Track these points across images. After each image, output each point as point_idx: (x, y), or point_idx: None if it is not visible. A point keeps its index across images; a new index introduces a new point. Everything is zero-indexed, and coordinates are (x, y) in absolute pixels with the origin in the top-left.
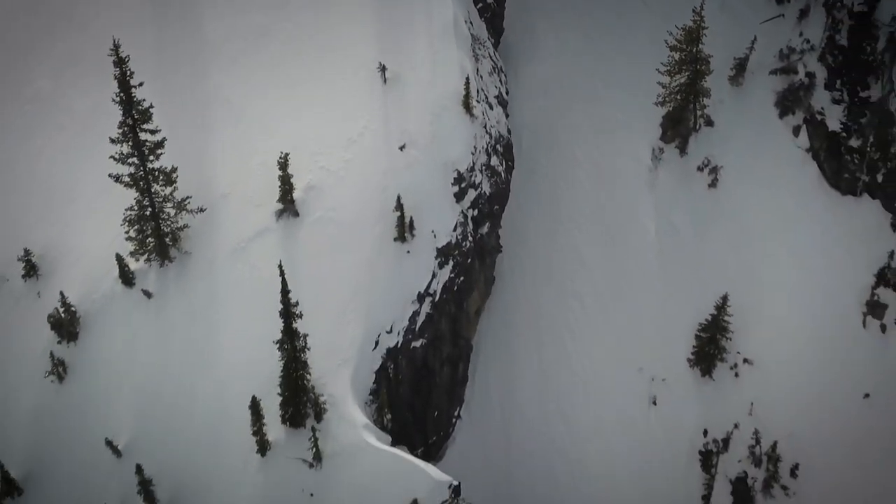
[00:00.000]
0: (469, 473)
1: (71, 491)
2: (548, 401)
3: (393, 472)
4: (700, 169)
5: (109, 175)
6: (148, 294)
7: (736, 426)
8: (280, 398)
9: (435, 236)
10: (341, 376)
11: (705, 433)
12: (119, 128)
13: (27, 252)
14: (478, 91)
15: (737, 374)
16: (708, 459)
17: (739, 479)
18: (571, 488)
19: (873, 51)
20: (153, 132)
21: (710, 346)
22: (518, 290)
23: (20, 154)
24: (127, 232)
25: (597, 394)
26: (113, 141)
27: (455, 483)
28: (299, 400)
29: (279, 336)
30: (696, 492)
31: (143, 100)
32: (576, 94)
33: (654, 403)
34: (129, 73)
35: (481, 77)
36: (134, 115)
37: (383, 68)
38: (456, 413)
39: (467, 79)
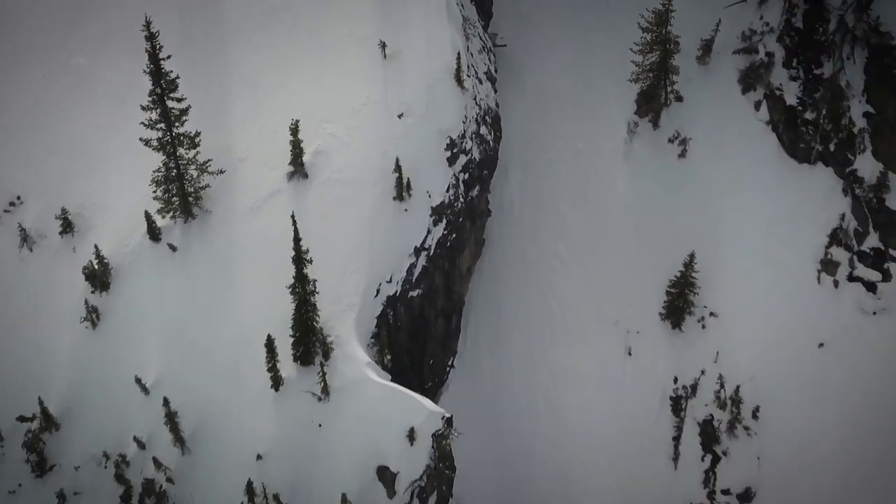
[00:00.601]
0: (461, 417)
1: (104, 425)
2: (533, 353)
3: (392, 404)
4: (671, 141)
5: (140, 139)
6: (173, 248)
7: (703, 373)
8: (292, 339)
9: (429, 196)
10: (346, 320)
11: (675, 380)
12: (149, 96)
13: (64, 211)
14: (468, 66)
15: (703, 326)
16: (678, 404)
17: (706, 422)
18: (553, 430)
19: (825, 32)
20: (179, 100)
21: (679, 301)
22: (506, 253)
23: (58, 122)
24: (154, 192)
25: (577, 346)
26: (143, 108)
27: (448, 415)
28: (309, 340)
29: (291, 283)
30: (667, 434)
31: (171, 71)
32: (559, 72)
33: (630, 354)
34: (158, 46)
35: (472, 54)
36: (162, 84)
37: (383, 45)
38: (450, 363)
39: (458, 54)
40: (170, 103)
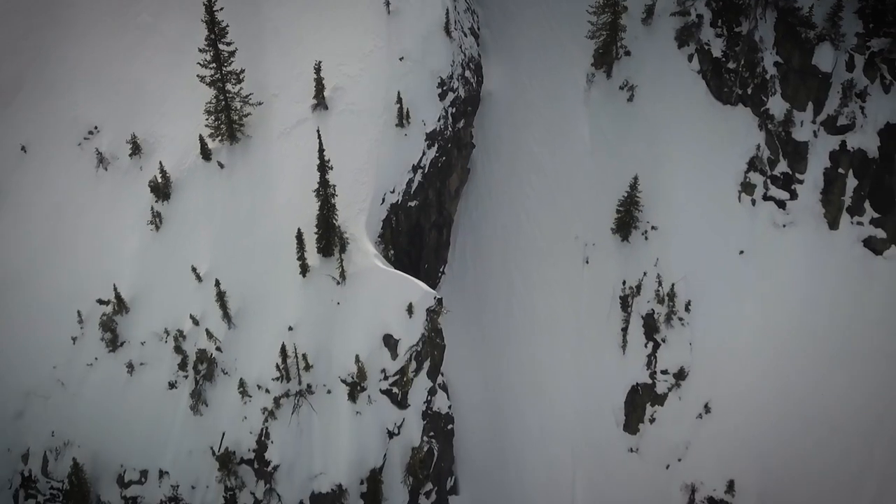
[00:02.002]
0: (449, 317)
1: (165, 307)
2: (509, 264)
3: (395, 286)
4: (621, 88)
5: (197, 76)
6: (221, 165)
7: (645, 275)
8: (316, 234)
9: (424, 124)
10: (358, 221)
11: (623, 283)
12: (205, 41)
13: (133, 137)
14: (455, 22)
15: (646, 238)
16: (625, 302)
17: (648, 315)
18: (526, 328)
19: None
20: (228, 44)
21: (626, 217)
22: (488, 180)
23: (127, 67)
24: (206, 120)
25: (545, 257)
26: (201, 51)
27: (438, 296)
28: (330, 235)
29: (316, 188)
30: (616, 326)
31: (222, 20)
32: (530, 32)
33: (587, 262)
34: (214, 3)
35: (458, 13)
36: (215, 31)
37: (387, 3)
38: (441, 270)
39: (447, 11)
40: (221, 46)
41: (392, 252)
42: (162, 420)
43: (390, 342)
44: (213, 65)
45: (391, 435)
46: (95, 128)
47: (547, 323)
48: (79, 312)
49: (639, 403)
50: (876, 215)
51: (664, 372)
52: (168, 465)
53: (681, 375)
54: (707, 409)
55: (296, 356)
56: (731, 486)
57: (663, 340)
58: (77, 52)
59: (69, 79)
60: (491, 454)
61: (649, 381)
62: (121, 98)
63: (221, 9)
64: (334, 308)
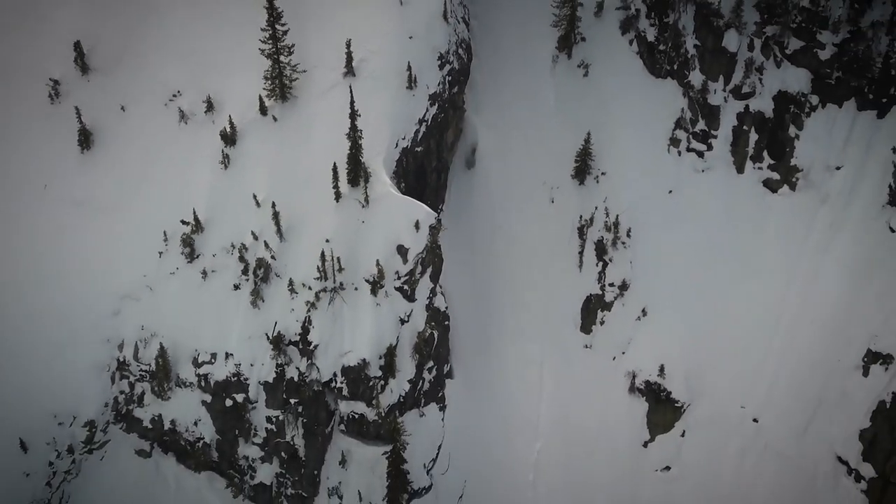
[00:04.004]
0: (447, 238)
1: (231, 226)
2: (492, 202)
3: (405, 208)
4: (579, 66)
5: (259, 49)
6: (275, 118)
7: (596, 209)
8: (347, 168)
9: (427, 88)
10: (378, 160)
11: (580, 217)
12: (266, 22)
13: (208, 97)
14: (451, 11)
15: (597, 181)
16: (581, 231)
17: (599, 241)
18: (505, 250)
19: None
20: (283, 25)
21: (582, 165)
22: (476, 135)
23: (200, 43)
24: (264, 84)
25: (521, 197)
26: (262, 30)
27: (438, 216)
28: (357, 169)
29: (347, 131)
30: (575, 250)
31: (278, 6)
32: (509, 21)
33: (552, 201)
34: None
35: (454, 4)
36: (273, 15)
37: None
38: (440, 207)
39: (445, 2)
40: (277, 27)
41: (403, 185)
42: (228, 314)
43: (402, 250)
44: (271, 41)
45: (402, 322)
46: (178, 91)
47: (522, 247)
48: (164, 232)
49: (592, 309)
50: (772, 162)
51: (611, 285)
52: (232, 349)
53: (624, 287)
54: (644, 312)
55: (332, 261)
56: (662, 370)
57: (610, 260)
58: (164, 31)
59: (158, 52)
60: (478, 348)
61: (600, 292)
62: (198, 67)
63: None
64: (360, 225)
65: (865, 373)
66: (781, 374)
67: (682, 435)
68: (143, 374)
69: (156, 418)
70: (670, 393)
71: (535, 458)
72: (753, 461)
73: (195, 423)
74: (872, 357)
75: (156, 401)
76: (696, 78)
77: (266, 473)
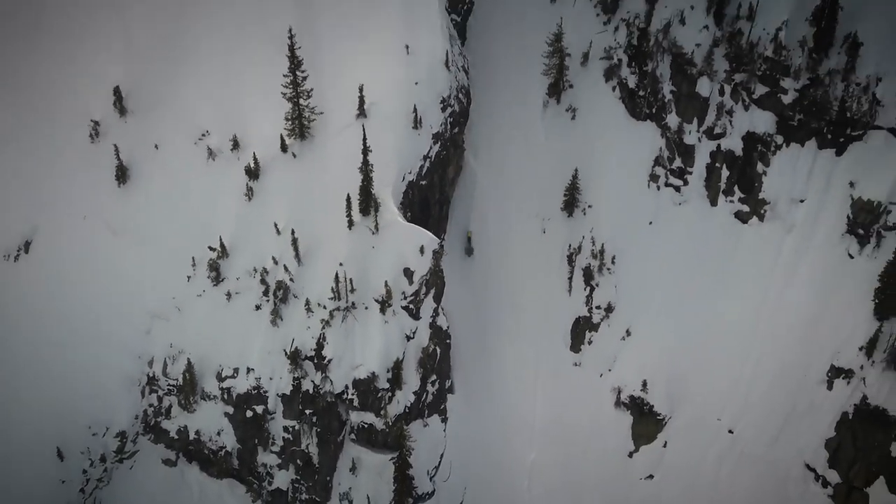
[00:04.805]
0: (449, 265)
1: (253, 252)
2: (489, 232)
3: (411, 234)
4: (567, 110)
5: (281, 93)
6: (294, 155)
7: (583, 238)
8: (359, 199)
9: (431, 128)
10: (387, 191)
11: (569, 246)
12: (288, 69)
13: (234, 137)
14: (452, 61)
15: (584, 213)
16: (571, 259)
17: (586, 267)
18: (500, 282)
19: (648, 46)
20: (302, 72)
21: (570, 198)
22: (473, 172)
23: (230, 87)
24: (285, 124)
25: (514, 227)
26: (284, 76)
27: (441, 242)
28: (368, 200)
29: (360, 165)
30: (565, 275)
31: (299, 56)
32: (504, 70)
33: (544, 232)
34: (295, 44)
35: (454, 55)
36: (294, 62)
37: (407, 47)
38: (442, 238)
39: (447, 52)
40: (297, 73)
41: (409, 214)
42: (249, 332)
43: (408, 273)
44: (292, 86)
45: (408, 338)
46: (207, 131)
47: (516, 273)
48: (193, 258)
49: (580, 330)
50: (742, 195)
51: (598, 307)
52: (253, 364)
53: (609, 309)
54: (628, 332)
55: (345, 282)
56: (644, 386)
57: (597, 285)
58: (194, 77)
59: (189, 96)
60: (477, 364)
61: (587, 314)
62: (225, 109)
63: (299, 47)
64: (370, 249)
65: (830, 386)
66: (754, 388)
67: (665, 445)
68: (171, 388)
69: (181, 429)
70: (653, 406)
71: (529, 467)
72: (730, 468)
73: (218, 433)
74: (835, 372)
75: (182, 413)
76: (672, 120)
77: (283, 479)
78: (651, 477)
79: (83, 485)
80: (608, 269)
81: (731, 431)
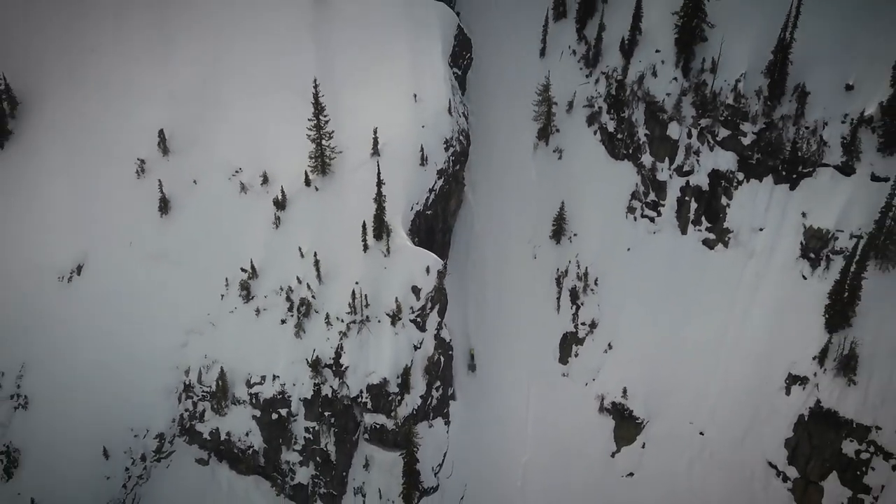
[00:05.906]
0: (451, 284)
1: (280, 273)
2: (486, 257)
3: (419, 256)
4: (554, 151)
5: (306, 135)
6: (316, 188)
7: (569, 263)
8: (373, 226)
9: (436, 165)
10: (397, 220)
11: (557, 269)
12: (313, 113)
13: (264, 173)
14: (454, 108)
15: (570, 241)
16: (559, 281)
17: (573, 288)
18: (496, 300)
19: (625, 95)
20: (325, 115)
21: (558, 228)
22: (474, 205)
23: (261, 128)
24: (309, 161)
25: (510, 253)
26: (309, 120)
27: (445, 263)
28: (381, 226)
29: (374, 195)
30: (554, 295)
31: (322, 103)
32: (498, 117)
33: (535, 257)
34: (319, 93)
35: (456, 103)
36: (317, 107)
37: (415, 95)
38: (445, 262)
39: (450, 101)
40: (320, 117)
41: (416, 239)
42: (275, 343)
43: (415, 290)
44: (315, 129)
45: (415, 348)
46: (239, 168)
47: (511, 293)
48: (226, 279)
49: (568, 344)
50: (709, 225)
51: (583, 324)
52: (279, 372)
53: (593, 325)
54: (610, 346)
55: (360, 298)
56: (625, 393)
57: (582, 304)
58: (229, 121)
59: (224, 137)
60: (476, 375)
61: (574, 330)
62: (256, 149)
63: (323, 95)
64: (382, 270)
65: (788, 392)
66: (722, 394)
67: (643, 447)
68: (205, 394)
69: (213, 431)
70: (632, 412)
71: (523, 466)
72: (701, 467)
73: (246, 434)
74: (792, 379)
75: (214, 416)
76: (647, 159)
77: (304, 475)
78: (631, 475)
79: (125, 481)
80: (592, 289)
81: (701, 434)
